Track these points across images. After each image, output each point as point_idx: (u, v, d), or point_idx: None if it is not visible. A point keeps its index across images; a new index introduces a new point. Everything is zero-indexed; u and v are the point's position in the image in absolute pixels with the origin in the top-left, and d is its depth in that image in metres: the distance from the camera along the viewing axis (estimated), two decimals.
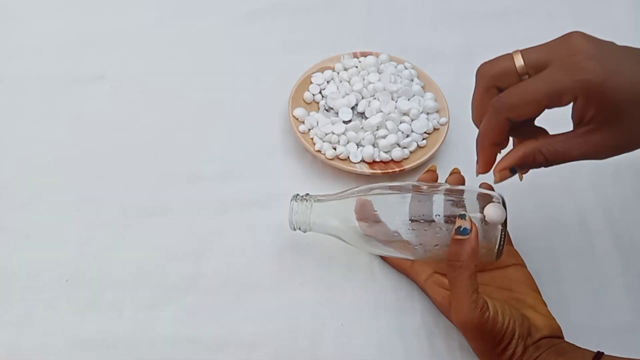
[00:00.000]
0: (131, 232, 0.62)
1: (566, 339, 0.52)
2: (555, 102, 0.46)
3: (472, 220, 0.51)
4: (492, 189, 0.56)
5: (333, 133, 0.66)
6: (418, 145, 0.67)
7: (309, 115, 0.68)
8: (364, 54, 0.72)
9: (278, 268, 0.60)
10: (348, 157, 0.65)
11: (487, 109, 0.49)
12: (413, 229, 0.53)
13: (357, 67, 0.72)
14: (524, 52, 0.48)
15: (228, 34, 0.77)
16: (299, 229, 0.57)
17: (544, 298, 0.54)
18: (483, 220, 0.52)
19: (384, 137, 0.66)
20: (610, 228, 0.64)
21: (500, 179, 0.51)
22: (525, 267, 0.56)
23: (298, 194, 0.57)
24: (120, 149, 0.67)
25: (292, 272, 0.60)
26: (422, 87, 0.70)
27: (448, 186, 0.55)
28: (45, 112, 0.69)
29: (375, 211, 0.54)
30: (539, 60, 0.47)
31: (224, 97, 0.72)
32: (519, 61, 0.48)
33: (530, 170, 0.66)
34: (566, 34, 0.48)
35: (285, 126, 0.69)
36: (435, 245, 0.53)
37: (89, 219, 0.62)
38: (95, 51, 0.74)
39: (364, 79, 0.70)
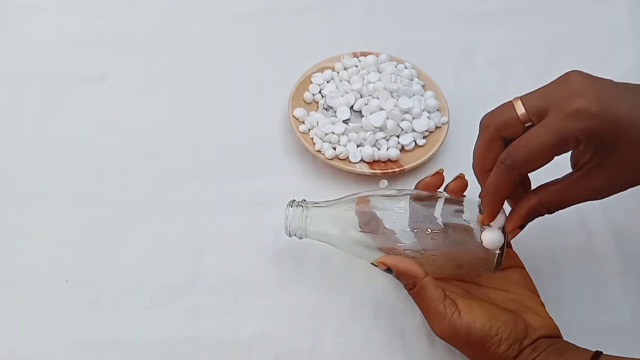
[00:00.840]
0: (131, 232, 0.62)
1: (566, 339, 0.52)
2: (562, 149, 0.47)
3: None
4: None
5: (333, 133, 0.66)
6: (418, 144, 0.67)
7: (309, 115, 0.68)
8: (364, 54, 0.72)
9: (278, 268, 0.60)
10: (347, 157, 0.65)
11: (490, 159, 0.50)
12: (412, 240, 0.52)
13: (357, 66, 0.71)
14: (524, 99, 0.48)
15: (228, 34, 0.77)
16: (295, 235, 0.57)
17: (544, 298, 0.54)
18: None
19: (384, 136, 0.66)
20: (610, 228, 0.64)
21: (513, 237, 0.52)
22: (524, 269, 0.55)
23: (294, 200, 0.57)
24: (120, 149, 0.67)
25: (292, 272, 0.60)
26: (422, 86, 0.70)
27: (447, 196, 0.54)
28: (45, 112, 0.69)
29: (374, 219, 0.54)
30: (540, 106, 0.47)
31: (224, 97, 0.72)
32: (520, 109, 0.48)
33: None
34: (564, 75, 0.48)
35: (285, 126, 0.69)
36: (433, 255, 0.52)
37: (89, 219, 0.62)
38: (95, 51, 0.74)
39: (363, 78, 0.70)
